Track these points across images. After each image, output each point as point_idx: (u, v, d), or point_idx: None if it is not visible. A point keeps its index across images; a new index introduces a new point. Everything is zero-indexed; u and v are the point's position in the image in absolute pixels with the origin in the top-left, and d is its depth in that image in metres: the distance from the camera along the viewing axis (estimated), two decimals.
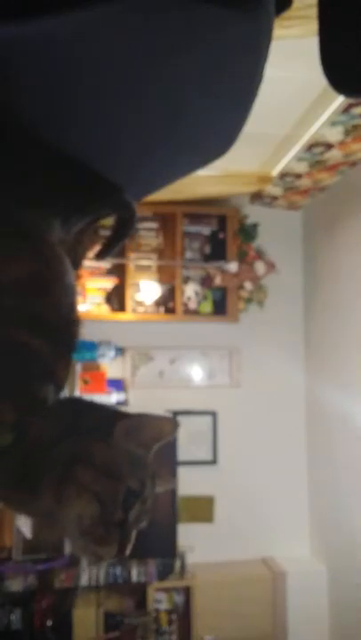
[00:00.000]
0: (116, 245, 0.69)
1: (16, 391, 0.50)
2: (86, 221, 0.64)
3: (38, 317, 0.52)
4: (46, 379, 0.53)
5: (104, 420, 0.52)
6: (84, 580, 3.34)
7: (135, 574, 3.42)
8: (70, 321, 0.56)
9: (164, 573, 3.46)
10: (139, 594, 3.52)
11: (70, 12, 0.44)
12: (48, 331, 0.53)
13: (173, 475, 3.35)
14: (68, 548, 3.21)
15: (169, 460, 3.34)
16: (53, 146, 0.57)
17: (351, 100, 2.34)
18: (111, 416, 0.53)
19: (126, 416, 0.53)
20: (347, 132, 2.71)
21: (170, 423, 0.54)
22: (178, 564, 3.50)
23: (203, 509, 3.80)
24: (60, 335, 0.54)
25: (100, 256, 0.68)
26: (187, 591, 3.56)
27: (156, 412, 0.54)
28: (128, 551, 0.49)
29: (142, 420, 0.53)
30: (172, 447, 3.41)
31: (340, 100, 2.40)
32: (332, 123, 2.61)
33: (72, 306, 0.57)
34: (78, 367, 3.60)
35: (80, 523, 0.48)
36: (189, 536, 3.55)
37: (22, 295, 0.52)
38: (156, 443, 0.53)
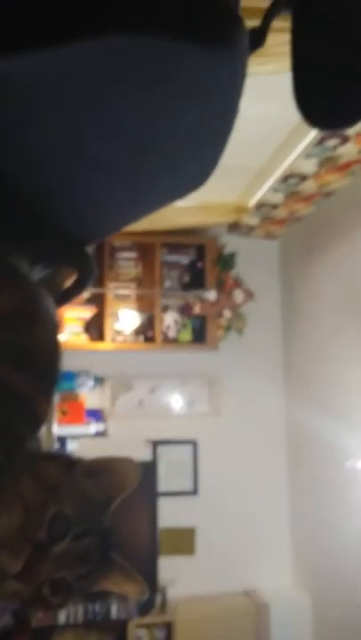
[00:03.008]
0: (73, 297, 0.69)
1: (1, 433, 0.50)
2: (49, 270, 0.65)
3: (22, 353, 0.53)
4: (27, 417, 0.53)
5: (67, 458, 0.54)
6: (62, 618, 3.24)
7: (115, 610, 3.32)
8: (53, 355, 0.56)
9: (145, 609, 3.37)
10: (119, 630, 3.42)
11: (30, 54, 0.44)
12: (31, 366, 0.53)
13: (154, 507, 3.30)
14: None
15: (149, 492, 3.29)
16: (21, 192, 0.57)
17: (325, 133, 2.41)
18: (75, 459, 0.54)
19: (92, 460, 0.53)
20: (321, 164, 2.77)
21: (132, 467, 0.54)
22: (159, 598, 3.43)
23: (184, 541, 3.74)
24: (43, 371, 0.55)
25: (57, 304, 0.69)
26: (168, 627, 3.47)
27: (125, 455, 0.54)
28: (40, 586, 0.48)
29: (106, 464, 0.53)
30: (152, 478, 3.37)
31: (314, 133, 2.47)
32: (307, 155, 2.67)
33: (55, 340, 0.57)
34: (56, 398, 3.55)
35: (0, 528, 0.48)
36: (171, 569, 3.48)
37: (8, 330, 0.52)
38: (119, 492, 0.53)
